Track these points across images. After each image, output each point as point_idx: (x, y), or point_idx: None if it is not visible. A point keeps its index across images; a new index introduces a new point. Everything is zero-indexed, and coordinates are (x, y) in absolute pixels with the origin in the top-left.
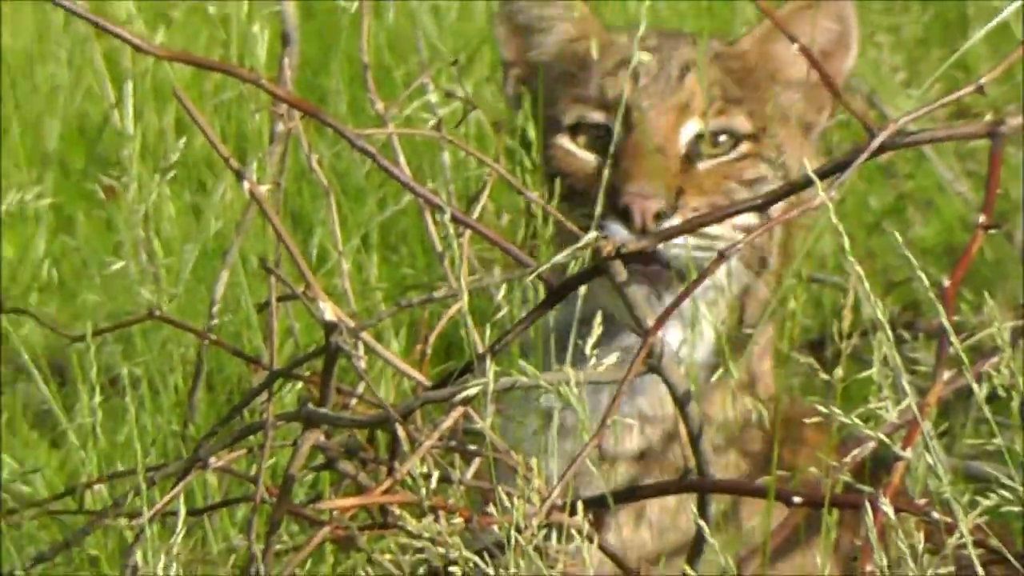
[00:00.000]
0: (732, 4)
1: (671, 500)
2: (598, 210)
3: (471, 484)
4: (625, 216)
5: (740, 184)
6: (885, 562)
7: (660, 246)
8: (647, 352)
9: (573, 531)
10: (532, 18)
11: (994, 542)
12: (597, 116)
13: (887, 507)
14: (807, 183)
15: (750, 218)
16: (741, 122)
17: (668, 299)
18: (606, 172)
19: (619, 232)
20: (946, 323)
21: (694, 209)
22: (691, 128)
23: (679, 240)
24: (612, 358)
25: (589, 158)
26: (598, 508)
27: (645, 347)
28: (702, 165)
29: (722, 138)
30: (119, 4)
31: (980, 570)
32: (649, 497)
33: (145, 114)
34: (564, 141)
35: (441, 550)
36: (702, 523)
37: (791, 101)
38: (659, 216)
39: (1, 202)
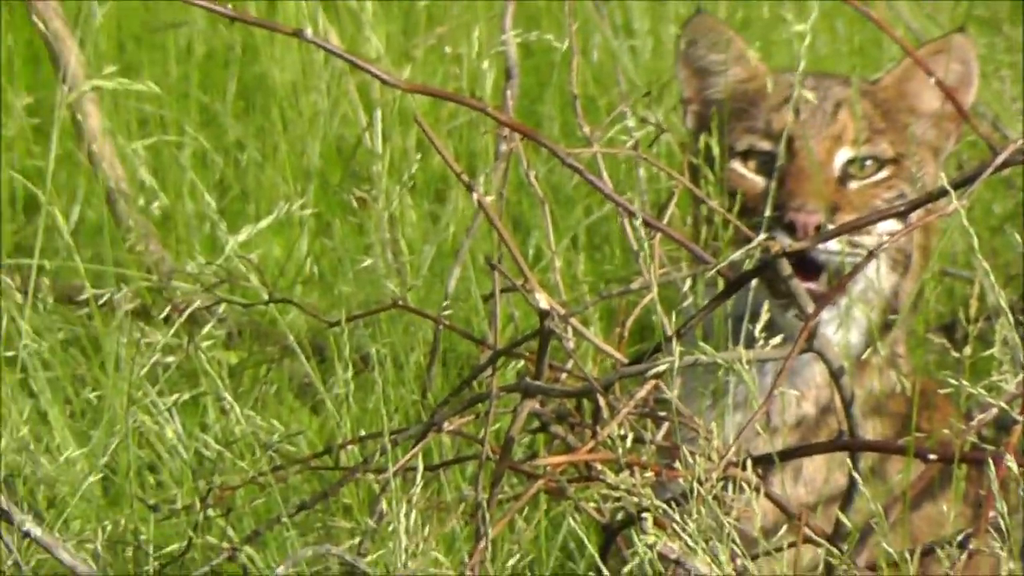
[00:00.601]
0: (879, 45)
1: (823, 460)
2: (765, 223)
3: (661, 444)
4: (790, 228)
5: (884, 202)
6: (1006, 509)
7: (818, 248)
8: (808, 334)
9: (744, 484)
10: (708, 63)
11: None
12: (765, 145)
13: (1011, 462)
14: (942, 193)
15: (893, 227)
16: (884, 149)
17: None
18: (772, 191)
19: (785, 241)
20: None
21: (846, 222)
22: (844, 155)
23: (833, 246)
24: (777, 339)
25: (758, 180)
26: (766, 466)
27: (806, 329)
28: (853, 185)
29: (869, 163)
30: (370, 45)
31: None
32: (809, 455)
33: (391, 137)
34: (737, 165)
35: (635, 499)
36: (856, 475)
37: (924, 130)
38: (818, 229)
39: (272, 210)
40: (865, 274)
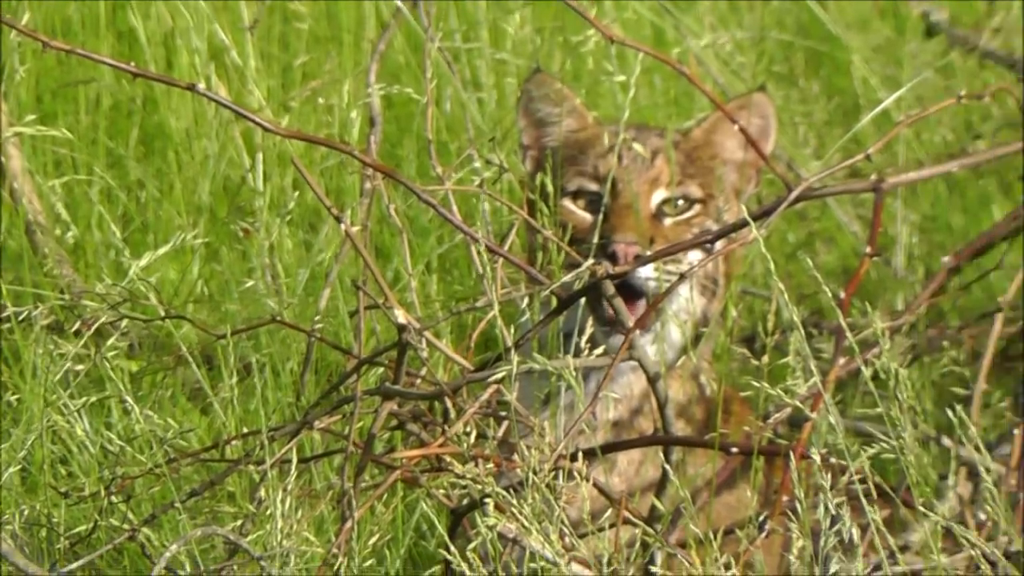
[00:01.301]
0: (691, 97)
1: (635, 454)
2: (592, 251)
3: (501, 440)
4: (613, 257)
5: (693, 235)
6: (801, 493)
7: (638, 275)
8: (628, 345)
9: (575, 473)
10: (545, 115)
11: (876, 479)
12: (592, 186)
13: (813, 453)
14: (743, 224)
15: (701, 256)
16: (694, 190)
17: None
18: (599, 225)
19: (609, 267)
20: (842, 324)
21: (659, 251)
22: (659, 195)
23: (650, 273)
24: (599, 350)
25: (586, 215)
26: (589, 458)
27: (627, 341)
28: (667, 221)
29: (680, 202)
30: (253, 97)
31: (864, 500)
32: (629, 449)
33: (271, 176)
34: (567, 203)
35: (479, 487)
36: (667, 466)
37: (728, 174)
38: (637, 258)
39: (169, 239)
40: (679, 297)
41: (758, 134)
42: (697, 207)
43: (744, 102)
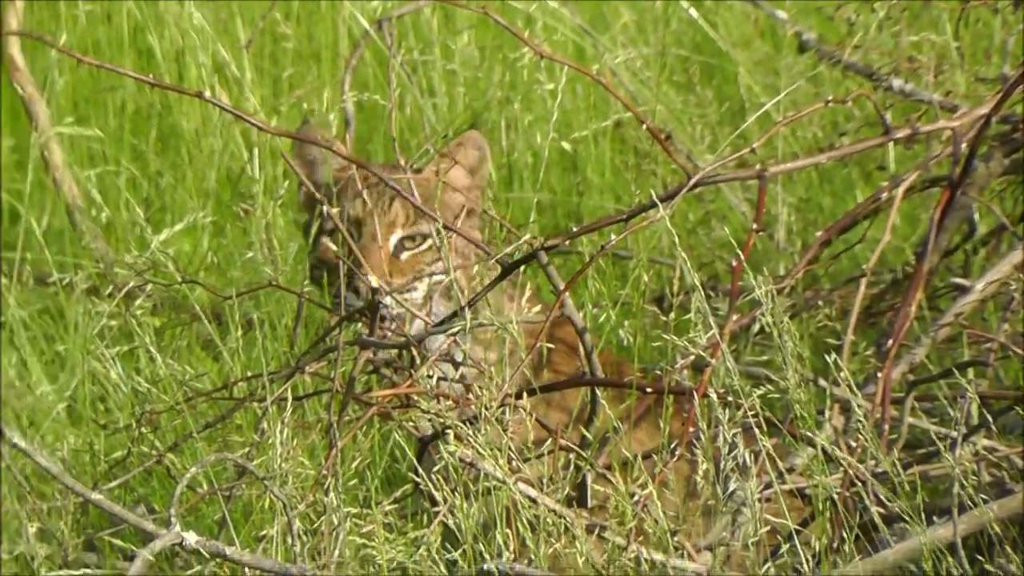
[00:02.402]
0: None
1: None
2: (343, 286)
3: (459, 382)
4: (357, 291)
5: (427, 264)
6: (705, 425)
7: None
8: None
9: (518, 409)
10: (313, 157)
11: (766, 414)
12: (343, 226)
13: (712, 393)
14: (652, 205)
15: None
16: (425, 227)
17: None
18: (345, 264)
19: (354, 300)
20: (735, 286)
21: (398, 284)
22: (396, 235)
23: (388, 301)
24: (537, 308)
25: (337, 251)
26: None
27: (560, 299)
28: (404, 256)
29: (417, 238)
30: (249, 103)
31: (756, 430)
32: (564, 388)
33: (265, 167)
34: (326, 239)
35: (441, 420)
36: (600, 400)
37: (457, 197)
38: (376, 291)
39: (183, 219)
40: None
41: (477, 161)
42: (428, 241)
43: (463, 139)
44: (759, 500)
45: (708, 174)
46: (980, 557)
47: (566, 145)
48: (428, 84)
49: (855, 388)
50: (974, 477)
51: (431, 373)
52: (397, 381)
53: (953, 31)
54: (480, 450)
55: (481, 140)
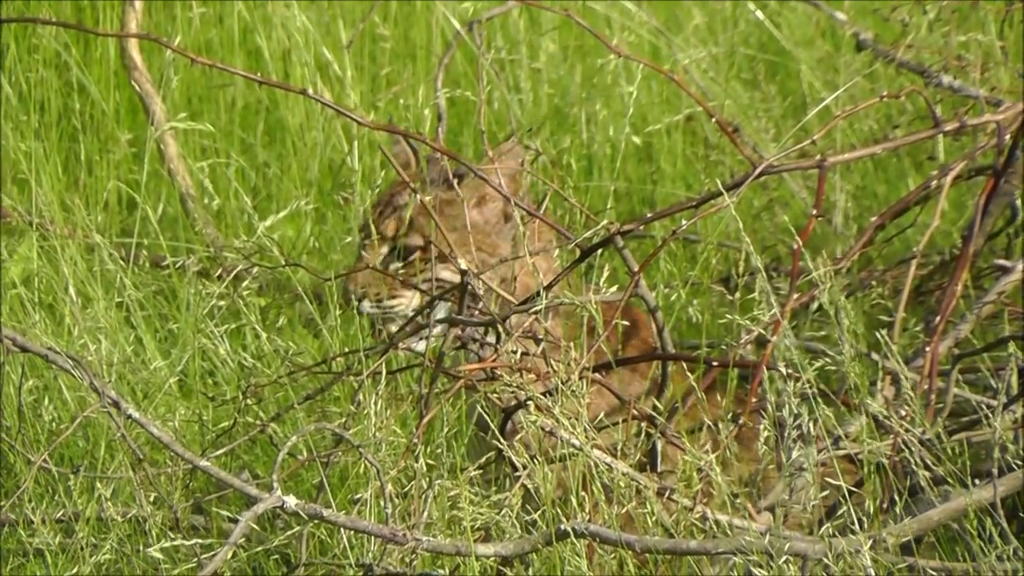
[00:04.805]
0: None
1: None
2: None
3: (540, 357)
4: (347, 298)
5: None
6: (768, 396)
7: (361, 308)
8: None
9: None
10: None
11: (822, 385)
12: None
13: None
14: (720, 193)
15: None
16: (415, 240)
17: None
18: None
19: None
20: (796, 267)
21: (375, 294)
22: (386, 248)
23: (368, 309)
24: (614, 288)
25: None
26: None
27: (633, 283)
28: (392, 267)
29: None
30: (349, 99)
31: (813, 400)
32: (637, 363)
33: (364, 159)
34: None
35: (523, 392)
36: (667, 375)
37: (499, 207)
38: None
39: (288, 206)
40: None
41: (512, 172)
42: (417, 252)
43: (503, 148)
44: (816, 465)
45: (772, 164)
46: (1021, 515)
47: (636, 139)
48: (514, 81)
49: (904, 361)
50: (1013, 443)
51: (515, 349)
52: (483, 356)
53: (998, 31)
54: (559, 419)
55: (519, 148)
